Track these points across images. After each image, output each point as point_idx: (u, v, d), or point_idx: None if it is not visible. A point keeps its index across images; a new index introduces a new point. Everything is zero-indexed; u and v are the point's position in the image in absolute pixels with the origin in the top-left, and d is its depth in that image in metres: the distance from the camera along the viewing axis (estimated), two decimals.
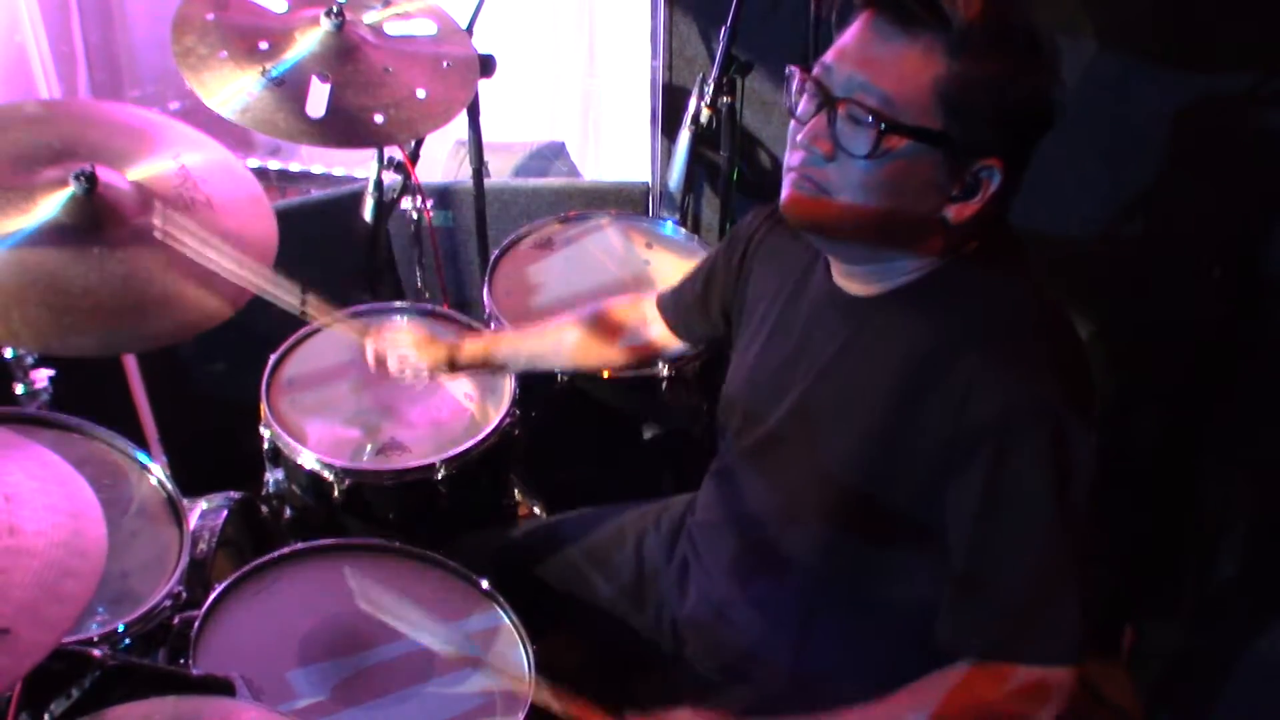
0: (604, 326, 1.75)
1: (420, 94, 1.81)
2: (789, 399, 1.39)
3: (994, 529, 1.22)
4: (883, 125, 1.13)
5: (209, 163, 1.60)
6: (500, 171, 2.99)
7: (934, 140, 1.14)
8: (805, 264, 1.41)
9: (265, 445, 1.88)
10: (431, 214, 2.24)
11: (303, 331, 2.01)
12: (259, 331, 1.91)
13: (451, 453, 1.82)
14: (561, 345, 1.77)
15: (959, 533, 1.25)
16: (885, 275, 1.29)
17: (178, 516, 1.64)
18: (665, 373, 2.01)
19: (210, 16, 1.75)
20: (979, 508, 1.22)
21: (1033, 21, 1.16)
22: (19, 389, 1.75)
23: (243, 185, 1.62)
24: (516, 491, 2.22)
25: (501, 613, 1.59)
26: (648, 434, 2.09)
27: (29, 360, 1.74)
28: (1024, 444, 1.19)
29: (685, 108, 2.29)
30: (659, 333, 1.73)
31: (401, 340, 1.77)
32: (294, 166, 3.07)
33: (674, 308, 1.70)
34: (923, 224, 1.21)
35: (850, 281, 1.33)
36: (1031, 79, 1.15)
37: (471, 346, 1.80)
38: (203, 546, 1.73)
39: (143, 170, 1.54)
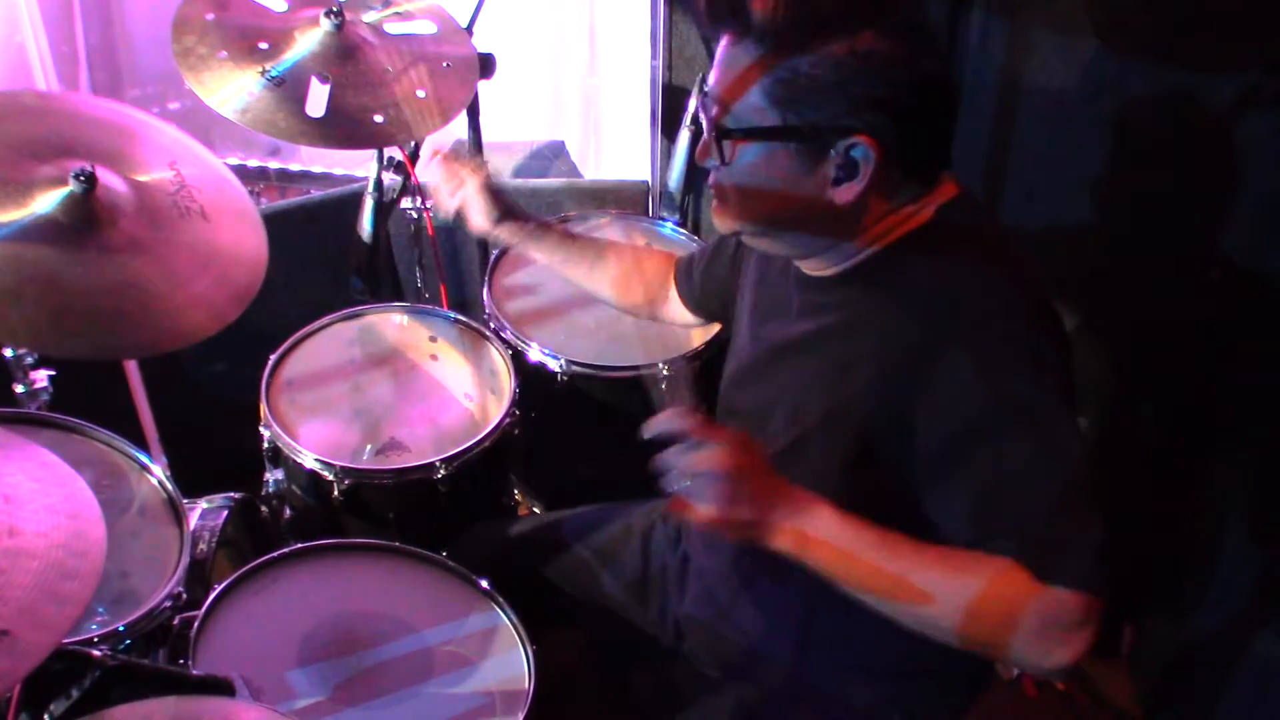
0: (637, 271, 1.79)
1: (420, 94, 1.81)
2: (765, 384, 1.41)
3: (998, 503, 1.20)
4: (714, 132, 1.21)
5: (203, 172, 1.60)
6: (500, 171, 2.99)
7: (771, 135, 1.19)
8: (776, 257, 1.43)
9: (265, 445, 1.88)
10: (431, 214, 2.24)
11: (303, 332, 2.01)
12: (259, 332, 1.91)
13: (451, 453, 1.82)
14: (593, 270, 1.80)
15: (961, 520, 1.23)
16: (831, 259, 1.31)
17: (178, 517, 1.64)
18: (665, 372, 2.01)
19: (210, 16, 1.75)
20: (980, 490, 1.20)
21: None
22: (19, 389, 1.75)
23: (235, 197, 1.62)
24: (516, 491, 2.22)
25: (501, 613, 1.59)
26: (648, 434, 2.09)
27: (29, 360, 1.74)
28: (1003, 428, 1.18)
29: (685, 108, 2.29)
30: (674, 294, 1.77)
31: (463, 178, 1.74)
32: (294, 166, 3.07)
33: (684, 276, 1.75)
34: (821, 211, 1.23)
35: (807, 266, 1.36)
36: (863, 55, 1.15)
37: (516, 230, 1.77)
38: (203, 547, 1.73)
39: (140, 174, 1.54)
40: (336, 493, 1.80)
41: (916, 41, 1.18)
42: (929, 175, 1.26)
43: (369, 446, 1.87)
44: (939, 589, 1.19)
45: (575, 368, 2.01)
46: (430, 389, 1.98)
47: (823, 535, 1.21)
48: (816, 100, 1.16)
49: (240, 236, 1.56)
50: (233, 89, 1.69)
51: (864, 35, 1.15)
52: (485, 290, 2.17)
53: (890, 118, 1.17)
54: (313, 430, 1.87)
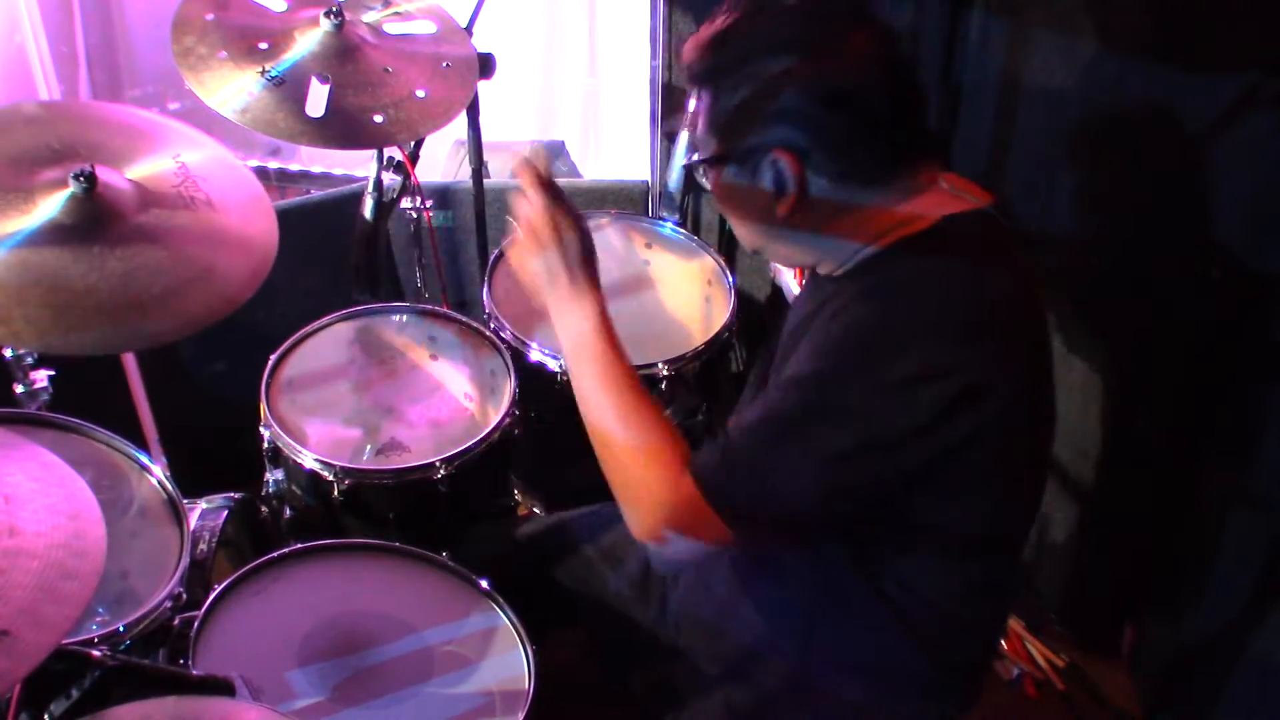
0: None
1: (420, 94, 1.81)
2: (771, 377, 1.41)
3: (771, 386, 1.29)
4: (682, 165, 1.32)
5: (208, 161, 1.60)
6: (500, 172, 2.99)
7: (711, 163, 1.33)
8: None
9: (265, 445, 1.88)
10: (431, 214, 2.24)
11: (303, 332, 2.01)
12: (259, 332, 1.91)
13: (451, 453, 1.82)
14: None
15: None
16: (836, 261, 1.35)
17: (178, 517, 1.64)
18: (665, 372, 2.01)
19: (210, 16, 1.75)
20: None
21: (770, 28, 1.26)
22: (19, 389, 1.75)
23: (243, 184, 1.62)
24: (516, 491, 2.22)
25: (501, 613, 1.59)
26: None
27: (29, 360, 1.74)
28: (850, 357, 1.22)
29: (685, 108, 2.29)
30: None
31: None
32: (294, 166, 3.07)
33: None
34: (787, 225, 1.30)
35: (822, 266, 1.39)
36: (767, 79, 1.23)
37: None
38: (203, 547, 1.73)
39: (142, 169, 1.54)
40: (336, 493, 1.80)
41: (827, 59, 1.23)
42: (883, 175, 1.28)
43: (369, 446, 1.87)
44: (625, 427, 1.34)
45: None
46: (430, 389, 1.98)
47: (575, 328, 1.37)
48: (737, 125, 1.27)
49: (249, 220, 1.56)
50: (233, 89, 1.69)
51: (771, 62, 1.24)
52: (485, 290, 2.16)
53: (801, 130, 1.24)
54: (313, 430, 1.87)
